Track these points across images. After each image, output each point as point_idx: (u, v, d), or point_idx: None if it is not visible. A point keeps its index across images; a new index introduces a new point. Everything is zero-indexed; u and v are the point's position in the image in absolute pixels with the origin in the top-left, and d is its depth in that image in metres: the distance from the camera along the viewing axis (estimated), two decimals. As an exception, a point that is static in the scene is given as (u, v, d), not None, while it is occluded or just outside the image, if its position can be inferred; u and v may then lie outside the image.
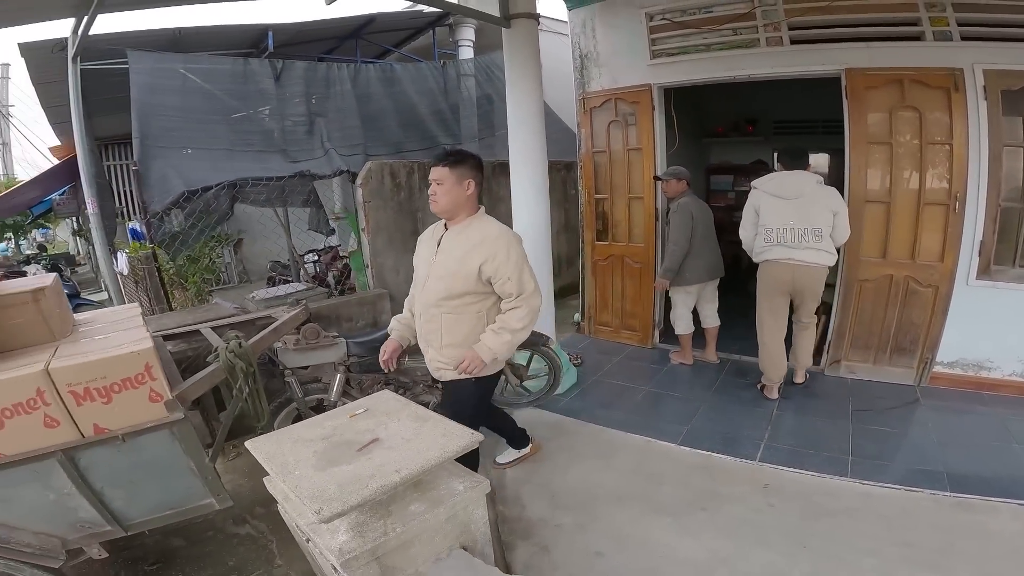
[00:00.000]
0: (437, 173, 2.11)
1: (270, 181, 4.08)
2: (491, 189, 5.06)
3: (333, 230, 5.54)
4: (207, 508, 2.09)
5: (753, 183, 3.42)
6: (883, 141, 3.40)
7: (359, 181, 4.26)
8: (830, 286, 3.79)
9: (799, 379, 3.60)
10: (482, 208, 2.23)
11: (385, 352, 2.36)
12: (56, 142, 8.86)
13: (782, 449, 2.85)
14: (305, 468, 1.46)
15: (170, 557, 2.37)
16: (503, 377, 3.33)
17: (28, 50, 4.75)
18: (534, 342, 3.36)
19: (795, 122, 5.63)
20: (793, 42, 3.53)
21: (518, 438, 2.86)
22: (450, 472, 1.64)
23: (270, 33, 5.40)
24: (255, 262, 7.41)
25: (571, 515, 2.45)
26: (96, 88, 5.04)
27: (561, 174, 6.02)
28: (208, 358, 2.25)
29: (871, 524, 2.22)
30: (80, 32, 3.89)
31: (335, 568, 1.45)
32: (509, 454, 2.87)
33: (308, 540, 1.60)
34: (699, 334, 4.02)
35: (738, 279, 4.57)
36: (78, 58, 4.11)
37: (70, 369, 1.79)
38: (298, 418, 2.68)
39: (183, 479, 2.03)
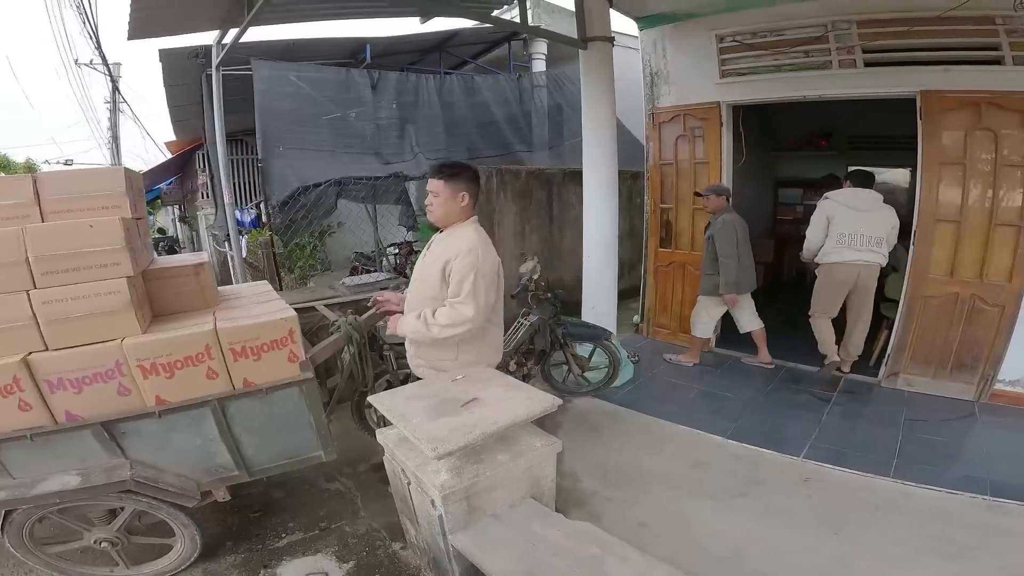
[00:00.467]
0: (433, 185, 2.14)
1: (369, 180, 4.62)
2: (560, 196, 5.43)
3: (416, 226, 6.09)
4: (316, 460, 2.38)
5: (827, 194, 3.74)
6: (956, 161, 3.47)
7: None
8: (893, 301, 3.88)
9: (846, 368, 3.88)
10: (474, 217, 2.24)
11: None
12: (170, 138, 10.03)
13: (828, 449, 3.02)
14: (420, 418, 1.84)
15: (270, 506, 2.69)
16: (566, 367, 3.68)
17: (167, 55, 5.41)
18: (598, 336, 3.69)
19: (871, 138, 5.60)
20: (867, 64, 3.64)
21: None
22: (529, 432, 2.00)
23: (368, 46, 5.98)
24: (336, 252, 8.07)
25: (621, 491, 2.73)
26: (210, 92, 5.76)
27: (627, 183, 6.27)
28: (331, 329, 2.72)
29: (905, 519, 2.39)
30: (229, 42, 4.38)
31: (433, 503, 1.82)
32: None
33: (410, 483, 1.97)
34: (748, 339, 4.23)
35: (802, 289, 4.69)
36: (220, 66, 4.72)
37: (233, 330, 2.12)
38: (389, 387, 3.04)
39: (302, 432, 2.32)
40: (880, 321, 4.07)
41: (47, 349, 1.93)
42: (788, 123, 5.89)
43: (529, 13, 5.50)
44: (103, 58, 10.74)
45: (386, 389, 2.92)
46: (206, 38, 4.93)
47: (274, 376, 2.21)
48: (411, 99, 5.70)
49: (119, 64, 19.15)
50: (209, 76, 5.03)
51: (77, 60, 16.59)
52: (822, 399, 3.66)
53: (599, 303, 4.04)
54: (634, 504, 2.64)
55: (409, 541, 2.30)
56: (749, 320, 4.16)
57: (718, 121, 4.26)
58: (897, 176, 6.31)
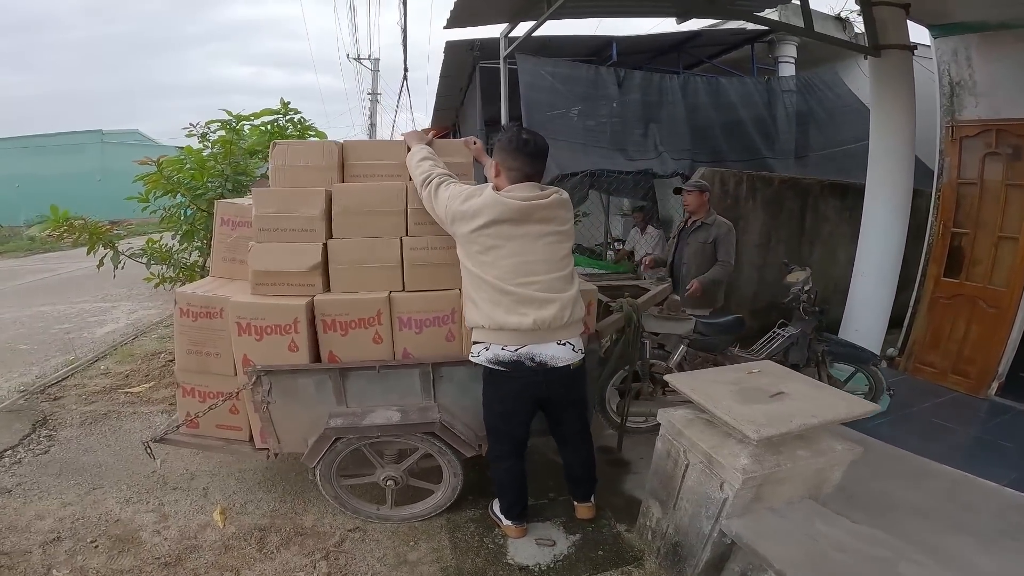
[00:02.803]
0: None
1: (620, 174, 4.91)
2: (816, 208, 5.12)
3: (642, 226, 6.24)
4: None
5: None
6: None
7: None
8: None
9: None
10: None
11: None
12: (425, 126, 11.63)
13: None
14: (729, 401, 1.94)
15: None
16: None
17: (450, 48, 6.20)
18: (864, 359, 3.48)
19: None
20: None
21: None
22: (831, 433, 2.03)
23: (614, 44, 6.23)
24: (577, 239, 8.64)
25: (866, 515, 2.54)
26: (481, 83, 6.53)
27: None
28: (613, 308, 3.02)
29: None
30: (521, 35, 4.91)
31: (722, 486, 1.87)
32: (496, 506, 2.42)
33: (688, 464, 2.03)
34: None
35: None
36: (506, 58, 5.35)
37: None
38: (630, 376, 3.07)
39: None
40: None
41: (403, 290, 2.23)
42: None
43: (777, 14, 5.25)
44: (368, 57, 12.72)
45: (625, 379, 3.09)
46: (483, 32, 5.71)
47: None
48: (655, 98, 5.82)
49: (378, 59, 22.62)
50: (481, 68, 5.76)
51: (349, 55, 20.15)
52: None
53: (864, 326, 3.79)
54: (882, 530, 2.49)
55: (643, 524, 2.34)
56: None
57: (1047, 139, 3.62)
58: None
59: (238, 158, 3.84)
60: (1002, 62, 3.87)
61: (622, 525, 2.46)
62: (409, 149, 2.33)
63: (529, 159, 2.03)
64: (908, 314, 4.50)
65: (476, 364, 2.08)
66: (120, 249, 3.71)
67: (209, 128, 3.98)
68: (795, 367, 3.44)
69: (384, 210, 2.24)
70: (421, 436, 2.23)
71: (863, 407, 1.93)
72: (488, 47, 6.03)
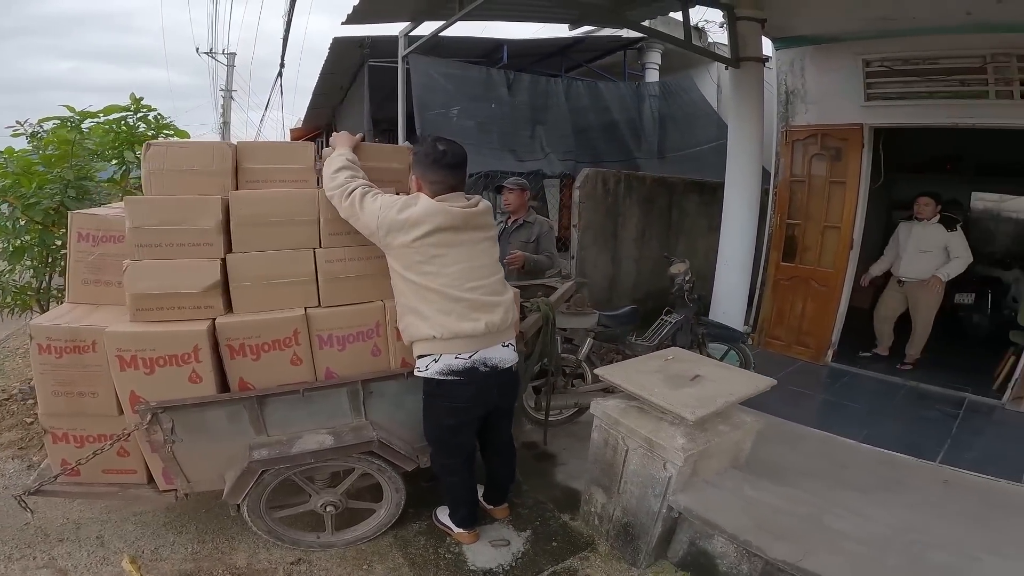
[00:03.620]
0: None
1: (515, 175, 5.01)
2: (681, 204, 5.70)
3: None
4: None
5: None
6: None
7: (578, 184, 5.09)
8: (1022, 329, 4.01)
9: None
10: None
11: None
12: (290, 126, 10.83)
13: (961, 457, 3.20)
14: (661, 388, 2.13)
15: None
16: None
17: (337, 43, 5.92)
18: (735, 338, 3.96)
19: (1003, 164, 5.53)
20: None
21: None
22: (738, 408, 2.29)
23: (505, 47, 6.39)
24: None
25: (766, 480, 2.94)
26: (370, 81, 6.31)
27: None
28: (527, 307, 3.07)
29: (1050, 523, 2.57)
30: (431, 34, 4.73)
31: (665, 465, 2.05)
32: (444, 515, 2.42)
33: (628, 450, 2.15)
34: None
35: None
36: (405, 57, 5.21)
37: None
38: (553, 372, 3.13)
39: None
40: (1007, 347, 4.19)
41: (320, 306, 2.06)
42: (912, 143, 5.83)
43: (649, 23, 5.78)
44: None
45: (539, 376, 3.16)
46: (374, 29, 5.42)
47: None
48: (541, 101, 6.08)
49: (234, 54, 20.58)
50: (370, 66, 5.55)
51: (199, 49, 18.03)
52: (950, 415, 3.80)
53: (729, 308, 4.31)
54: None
55: (588, 511, 2.47)
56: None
57: (859, 142, 4.42)
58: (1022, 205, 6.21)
59: (82, 160, 3.27)
60: (830, 73, 4.60)
61: (565, 515, 2.57)
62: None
63: (449, 170, 2.02)
64: (757, 295, 5.21)
65: (420, 377, 2.03)
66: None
67: (41, 127, 3.34)
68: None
69: (294, 220, 2.05)
70: (358, 456, 2.13)
71: (764, 382, 2.23)
72: (379, 45, 5.82)
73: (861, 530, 1.97)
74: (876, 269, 4.72)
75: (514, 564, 2.24)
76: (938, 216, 4.38)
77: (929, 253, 4.36)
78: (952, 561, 1.82)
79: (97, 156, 3.50)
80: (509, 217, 3.83)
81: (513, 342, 2.13)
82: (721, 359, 4.00)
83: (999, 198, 6.42)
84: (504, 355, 2.07)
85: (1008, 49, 3.72)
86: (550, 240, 3.81)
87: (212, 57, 18.34)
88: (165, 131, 3.83)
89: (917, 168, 6.03)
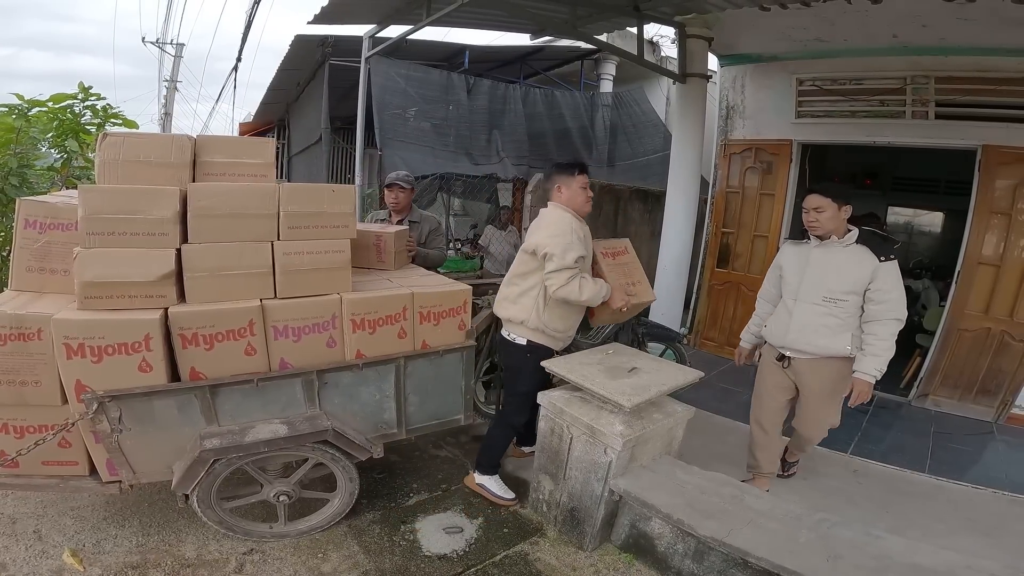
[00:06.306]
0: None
1: (469, 178, 5.15)
2: (625, 211, 5.98)
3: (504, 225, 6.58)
4: (455, 423, 2.61)
5: None
6: (1004, 211, 3.91)
7: (530, 188, 5.28)
8: (928, 332, 4.43)
9: None
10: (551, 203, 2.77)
11: None
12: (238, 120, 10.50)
13: (870, 448, 3.55)
14: (601, 379, 2.27)
15: (390, 469, 2.86)
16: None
17: (298, 42, 5.87)
18: (672, 337, 4.20)
19: (916, 180, 6.07)
20: (938, 117, 4.09)
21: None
22: (670, 399, 2.49)
23: (467, 52, 6.49)
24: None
25: (699, 466, 3.22)
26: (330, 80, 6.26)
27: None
28: (479, 304, 3.18)
29: (941, 504, 2.92)
30: (399, 37, 4.80)
31: (606, 450, 2.19)
32: (497, 487, 2.68)
33: (573, 437, 2.30)
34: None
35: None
36: (368, 59, 5.24)
37: (425, 295, 2.37)
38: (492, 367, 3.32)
39: (454, 395, 2.54)
40: (914, 349, 4.61)
41: (275, 297, 2.11)
42: (835, 159, 6.21)
43: (606, 37, 6.05)
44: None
45: (489, 370, 3.32)
46: (337, 29, 5.40)
47: (445, 341, 2.48)
48: (499, 106, 6.22)
49: (183, 45, 19.80)
50: (330, 65, 5.54)
51: (145, 38, 17.20)
52: (860, 410, 4.18)
53: (667, 310, 4.57)
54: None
55: (536, 499, 2.58)
56: None
57: (788, 157, 4.79)
58: (934, 219, 6.84)
59: (25, 148, 3.16)
60: (766, 90, 4.94)
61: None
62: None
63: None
64: (693, 299, 5.52)
65: (431, 359, 2.43)
66: None
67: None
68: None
69: (252, 213, 2.10)
70: (312, 446, 2.16)
71: (693, 374, 2.44)
72: (341, 44, 5.80)
73: (778, 509, 2.19)
74: (748, 339, 3.05)
75: (467, 550, 2.32)
76: (855, 233, 2.49)
77: (835, 304, 2.48)
78: (856, 538, 2.05)
79: (40, 144, 3.39)
80: (391, 215, 3.53)
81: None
82: (660, 357, 4.25)
83: (913, 212, 7.06)
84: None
85: (927, 71, 4.09)
86: (441, 235, 3.70)
87: (160, 47, 17.56)
88: (112, 120, 3.74)
89: (840, 182, 6.55)
